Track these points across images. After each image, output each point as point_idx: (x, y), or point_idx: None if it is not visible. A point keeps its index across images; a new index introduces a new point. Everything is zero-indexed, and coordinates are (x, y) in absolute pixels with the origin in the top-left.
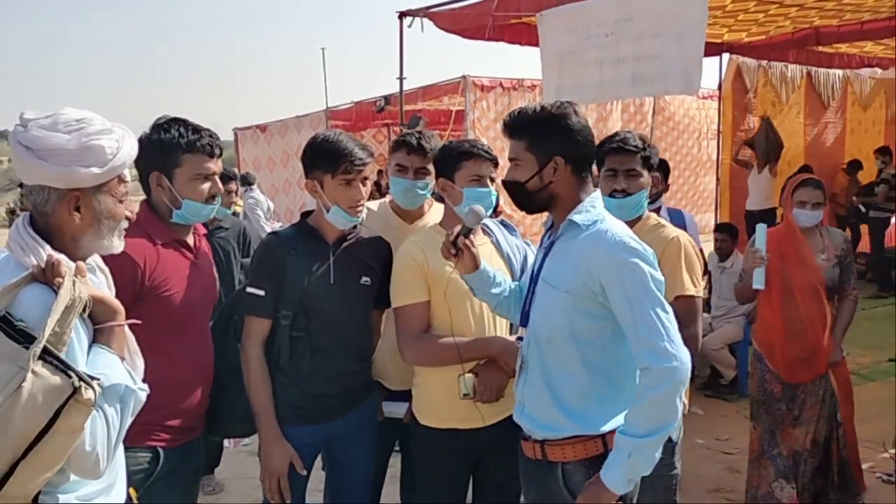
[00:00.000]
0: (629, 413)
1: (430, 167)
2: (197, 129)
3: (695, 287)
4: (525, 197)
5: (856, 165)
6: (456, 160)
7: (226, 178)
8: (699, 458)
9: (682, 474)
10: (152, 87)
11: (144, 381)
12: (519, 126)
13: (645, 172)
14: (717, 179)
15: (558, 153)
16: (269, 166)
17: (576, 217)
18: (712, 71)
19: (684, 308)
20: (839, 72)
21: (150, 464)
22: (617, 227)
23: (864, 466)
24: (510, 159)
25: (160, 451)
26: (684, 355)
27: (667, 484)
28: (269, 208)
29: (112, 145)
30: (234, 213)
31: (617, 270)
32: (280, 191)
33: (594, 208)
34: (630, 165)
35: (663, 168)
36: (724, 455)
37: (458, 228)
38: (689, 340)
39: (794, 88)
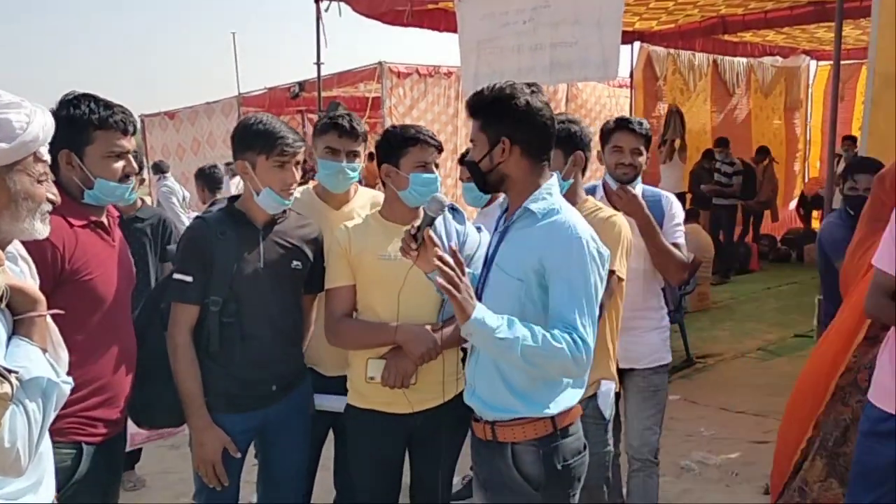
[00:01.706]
0: (539, 331)
1: (361, 150)
2: (109, 105)
3: (621, 266)
4: (479, 177)
5: (764, 152)
6: (401, 146)
7: None
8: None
9: (630, 419)
10: (46, 67)
11: (68, 373)
12: (475, 106)
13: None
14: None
15: (505, 133)
16: (178, 154)
17: (532, 205)
18: (624, 59)
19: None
20: (743, 60)
21: (72, 461)
22: (575, 220)
23: (775, 439)
24: (470, 140)
25: (84, 446)
26: (591, 353)
27: (600, 460)
28: (184, 197)
29: (21, 119)
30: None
31: (567, 261)
32: (191, 179)
33: (550, 196)
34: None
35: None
36: None
37: (418, 221)
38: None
39: (701, 76)
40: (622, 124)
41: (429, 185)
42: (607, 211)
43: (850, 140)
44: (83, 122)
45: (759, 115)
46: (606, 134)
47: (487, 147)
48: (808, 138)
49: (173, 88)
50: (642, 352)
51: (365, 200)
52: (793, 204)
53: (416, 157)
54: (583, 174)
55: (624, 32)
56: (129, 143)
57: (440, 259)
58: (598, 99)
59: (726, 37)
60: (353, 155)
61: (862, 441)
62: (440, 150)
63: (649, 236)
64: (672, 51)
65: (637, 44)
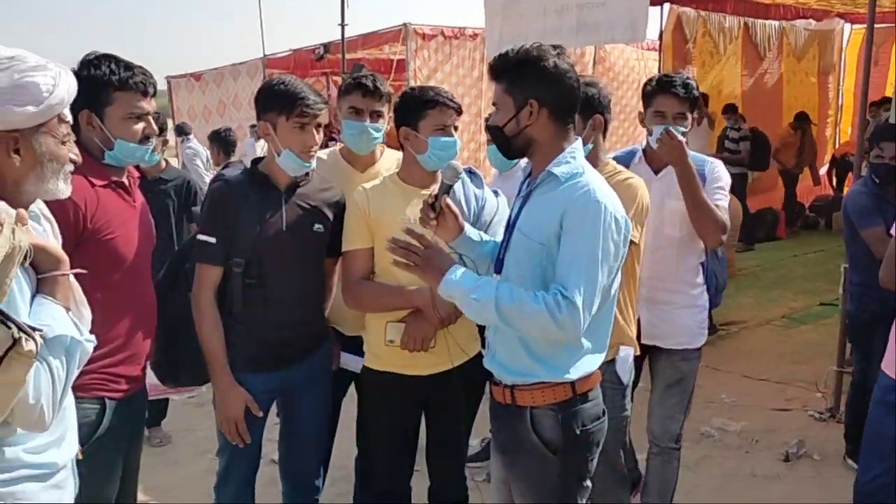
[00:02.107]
0: (518, 290)
1: (385, 110)
2: (129, 66)
3: (636, 233)
4: (504, 142)
5: (804, 119)
6: (420, 109)
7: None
8: (640, 399)
9: (653, 405)
10: (75, 31)
11: (90, 331)
12: (499, 68)
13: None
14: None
15: (533, 96)
16: (204, 116)
17: (555, 169)
18: (653, 21)
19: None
20: (775, 23)
21: (97, 416)
22: (598, 184)
23: (797, 406)
24: (493, 103)
25: (107, 402)
26: (581, 320)
27: (618, 424)
28: (207, 159)
29: (48, 82)
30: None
31: (582, 222)
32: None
33: (574, 160)
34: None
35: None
36: None
37: (435, 189)
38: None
39: (732, 39)
40: (664, 86)
41: (448, 148)
42: (626, 174)
43: (876, 105)
44: (103, 82)
45: (792, 79)
46: (648, 96)
47: (513, 110)
48: (840, 103)
49: (199, 50)
50: (668, 330)
51: (391, 163)
52: (823, 170)
53: (435, 120)
54: (603, 137)
55: None
56: (149, 105)
57: (392, 240)
58: (627, 62)
59: None
60: (376, 115)
61: (872, 410)
62: (459, 112)
63: (688, 188)
64: (702, 13)
65: (667, 5)
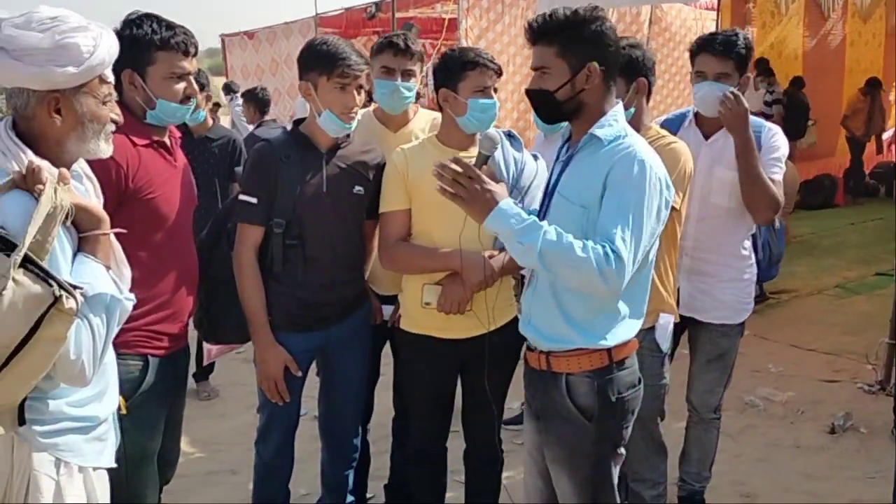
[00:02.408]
0: (566, 236)
1: (416, 70)
2: (171, 26)
3: (677, 198)
4: (552, 107)
5: (875, 84)
6: (460, 70)
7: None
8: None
9: (669, 384)
10: None
11: (131, 289)
12: (549, 31)
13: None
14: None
15: (593, 58)
16: (257, 74)
17: (598, 132)
18: None
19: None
20: None
21: (140, 372)
22: (642, 146)
23: (845, 378)
24: (536, 68)
25: (150, 359)
26: (626, 274)
27: (655, 393)
28: None
29: (88, 43)
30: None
31: (627, 180)
32: (270, 100)
33: (617, 122)
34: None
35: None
36: None
37: (472, 159)
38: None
39: None
40: (703, 45)
41: (487, 111)
42: (669, 138)
43: None
44: (145, 42)
45: (857, 40)
46: (692, 55)
47: (569, 74)
48: None
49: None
50: (709, 304)
51: (424, 123)
52: (887, 135)
53: (474, 82)
54: (647, 101)
55: None
56: (190, 65)
57: (440, 166)
58: (684, 22)
59: None
60: (408, 74)
61: None
62: (500, 74)
63: (745, 159)
64: None
65: None
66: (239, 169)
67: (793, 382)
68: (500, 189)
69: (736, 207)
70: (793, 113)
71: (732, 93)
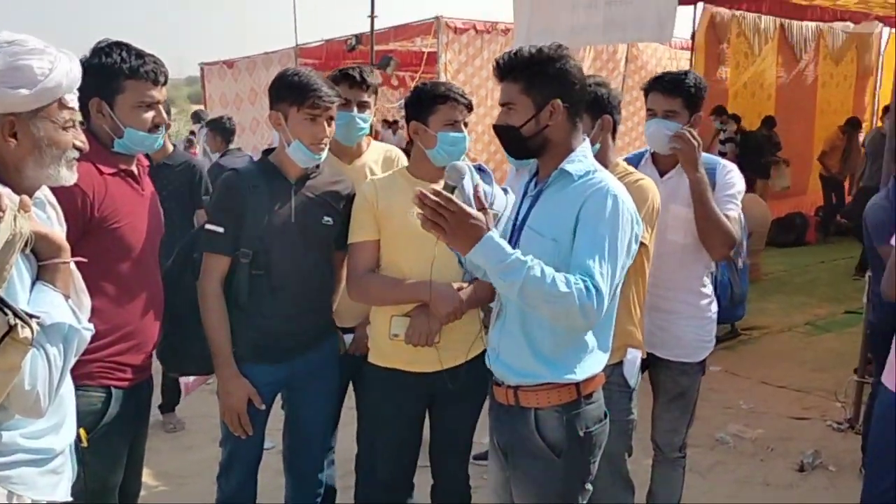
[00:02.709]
0: (549, 271)
1: (371, 102)
2: (140, 55)
3: (647, 235)
4: (518, 142)
5: (855, 124)
6: (430, 103)
7: None
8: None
9: (637, 419)
10: (114, 19)
11: (91, 319)
12: (515, 68)
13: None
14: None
15: (557, 96)
16: (235, 103)
17: (568, 167)
18: (686, 20)
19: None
20: (812, 24)
21: (102, 404)
22: (611, 181)
23: (814, 415)
24: (503, 104)
25: (113, 390)
26: (604, 305)
27: (622, 428)
28: None
29: (43, 66)
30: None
31: (599, 214)
32: (247, 129)
33: (586, 158)
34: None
35: None
36: None
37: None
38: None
39: (767, 40)
40: (653, 84)
41: (457, 143)
42: (637, 175)
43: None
44: (114, 70)
45: (829, 82)
46: (645, 95)
47: (533, 110)
48: (875, 108)
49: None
50: (667, 340)
51: (377, 154)
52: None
53: (445, 116)
54: (613, 138)
55: None
56: (159, 94)
57: (421, 195)
58: (659, 61)
59: (794, 0)
60: (363, 105)
61: (874, 425)
62: (470, 108)
63: (698, 197)
64: (737, 13)
65: (700, 4)
66: (207, 197)
67: (763, 419)
68: (483, 220)
69: (692, 244)
70: (747, 151)
71: (687, 130)
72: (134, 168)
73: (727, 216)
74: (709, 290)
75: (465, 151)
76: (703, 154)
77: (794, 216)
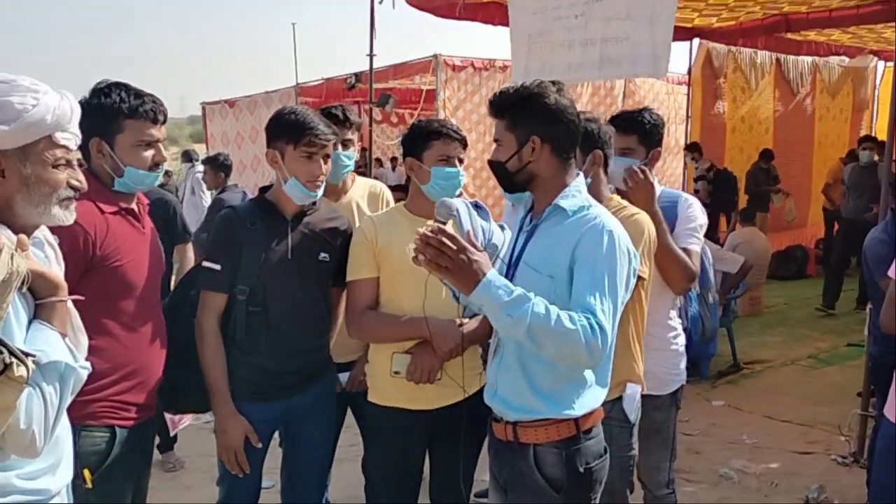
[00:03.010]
0: (553, 309)
1: (355, 139)
2: (139, 94)
3: (644, 268)
4: (506, 177)
5: (856, 156)
6: (424, 140)
7: None
8: None
9: (638, 455)
10: (118, 59)
11: (94, 357)
12: (500, 105)
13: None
14: (685, 164)
15: (535, 132)
16: (237, 142)
17: (562, 202)
18: (682, 56)
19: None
20: (808, 59)
21: (106, 444)
22: (606, 216)
23: (819, 449)
24: (495, 140)
25: (117, 430)
26: (608, 343)
27: (623, 464)
28: None
29: (25, 102)
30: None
31: (595, 252)
32: (248, 167)
33: (580, 193)
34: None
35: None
36: (684, 436)
37: (418, 226)
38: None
39: (764, 74)
40: (610, 122)
41: (450, 178)
42: (631, 209)
43: (871, 141)
44: (114, 110)
45: (825, 115)
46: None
47: (516, 147)
48: None
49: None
50: None
51: (363, 190)
52: None
53: (438, 151)
54: (605, 172)
55: (682, 29)
56: (158, 132)
57: (421, 238)
58: (657, 96)
59: (790, 35)
60: (346, 143)
61: (876, 460)
62: (464, 144)
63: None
64: (733, 48)
65: (696, 40)
66: (205, 235)
67: (767, 454)
68: (485, 259)
69: (656, 277)
70: (720, 188)
71: (640, 168)
72: (134, 206)
73: (687, 250)
74: (676, 322)
75: (459, 187)
76: (664, 189)
77: (794, 249)
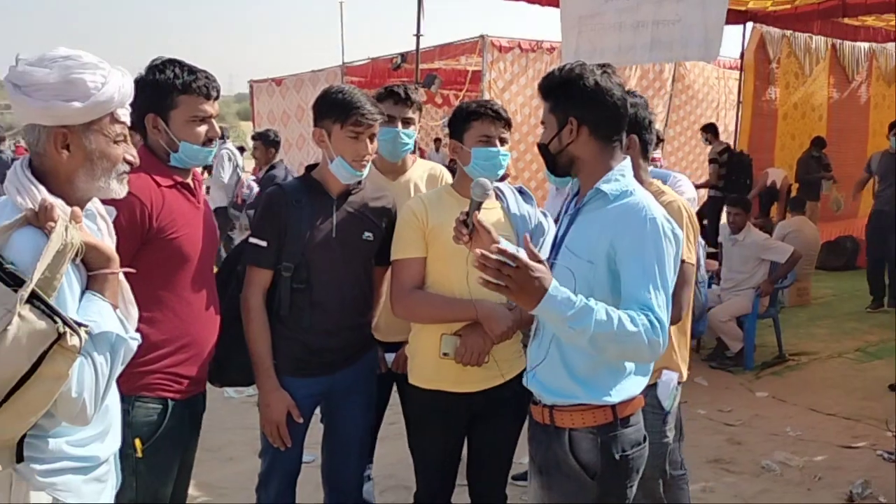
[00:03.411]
0: (614, 313)
1: (416, 119)
2: (193, 71)
3: (689, 253)
4: (549, 159)
5: None
6: (465, 121)
7: None
8: (700, 428)
9: (673, 443)
10: (169, 38)
11: (150, 329)
12: (546, 88)
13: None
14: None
15: (574, 114)
16: (283, 120)
17: (604, 186)
18: (735, 40)
19: (679, 273)
20: (864, 45)
21: (158, 415)
22: (648, 202)
23: (864, 444)
24: (541, 122)
25: (169, 402)
26: (666, 336)
27: (657, 451)
28: (238, 164)
29: (96, 80)
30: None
31: (641, 240)
32: (294, 145)
33: (623, 177)
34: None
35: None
36: (726, 426)
37: (466, 207)
38: (676, 305)
39: (818, 60)
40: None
41: (490, 158)
42: (670, 195)
43: None
44: (168, 86)
45: (881, 103)
46: None
47: (556, 128)
48: None
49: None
50: None
51: (423, 171)
52: None
53: (478, 132)
54: (644, 158)
55: (736, 12)
56: (211, 108)
57: (482, 257)
58: (707, 80)
59: (846, 20)
60: (407, 122)
61: None
62: (508, 125)
63: None
64: (787, 33)
65: (750, 24)
66: (250, 212)
67: (811, 447)
68: (545, 272)
69: None
70: (732, 171)
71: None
72: (190, 181)
73: None
74: None
75: (500, 167)
76: (653, 168)
77: (844, 239)
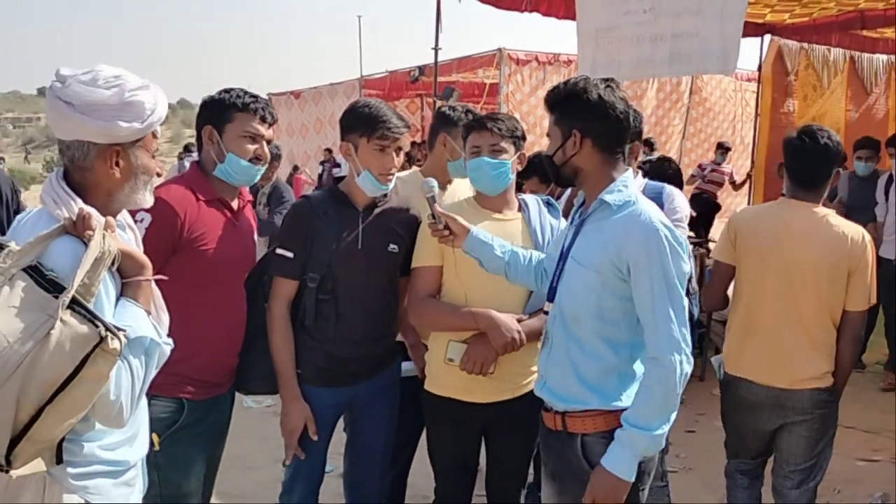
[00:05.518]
0: (638, 406)
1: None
2: (254, 95)
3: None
4: (554, 171)
5: None
6: (465, 134)
7: None
8: (718, 439)
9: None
10: (189, 50)
11: (170, 334)
12: (550, 100)
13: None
14: (752, 163)
15: (577, 127)
16: (301, 133)
17: (607, 196)
18: (753, 52)
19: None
20: (883, 57)
21: (173, 413)
22: (651, 211)
23: (883, 457)
24: (547, 134)
25: (185, 401)
26: (689, 350)
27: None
28: None
29: (150, 101)
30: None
31: (647, 256)
32: (312, 157)
33: (626, 188)
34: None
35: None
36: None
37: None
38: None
39: (837, 72)
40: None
41: (477, 169)
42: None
43: (869, 148)
44: (229, 103)
45: None
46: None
47: (560, 140)
48: None
49: (301, 70)
50: None
51: (468, 184)
52: None
53: (472, 143)
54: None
55: (754, 24)
56: (265, 130)
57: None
58: (724, 92)
59: (865, 32)
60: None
61: None
62: (507, 136)
63: None
64: (805, 45)
65: (767, 36)
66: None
67: (830, 460)
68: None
69: None
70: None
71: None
72: (234, 201)
73: None
74: None
75: (491, 178)
76: (648, 182)
77: None
